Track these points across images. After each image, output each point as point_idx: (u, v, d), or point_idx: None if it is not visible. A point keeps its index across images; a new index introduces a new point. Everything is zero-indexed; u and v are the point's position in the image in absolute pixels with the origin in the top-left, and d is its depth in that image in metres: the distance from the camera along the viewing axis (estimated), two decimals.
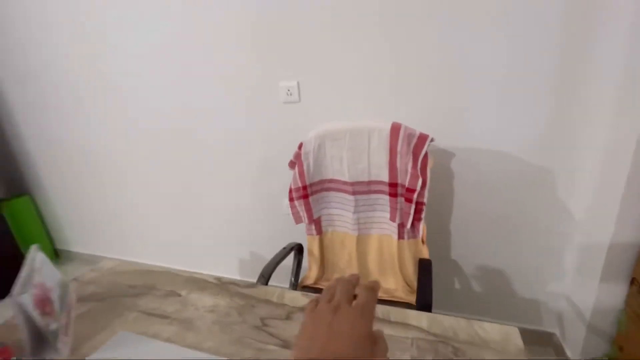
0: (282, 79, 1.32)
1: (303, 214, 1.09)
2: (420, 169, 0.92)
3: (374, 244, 1.09)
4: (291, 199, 1.09)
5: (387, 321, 0.63)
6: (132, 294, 0.79)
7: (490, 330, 0.58)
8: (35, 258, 0.65)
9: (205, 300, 0.74)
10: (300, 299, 0.72)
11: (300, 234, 1.20)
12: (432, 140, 0.93)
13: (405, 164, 0.93)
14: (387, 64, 1.16)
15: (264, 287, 0.77)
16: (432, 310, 1.11)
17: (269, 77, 1.34)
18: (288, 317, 0.67)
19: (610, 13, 0.90)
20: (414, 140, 0.92)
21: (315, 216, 1.11)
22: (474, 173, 1.20)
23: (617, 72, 0.93)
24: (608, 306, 1.05)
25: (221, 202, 1.69)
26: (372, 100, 1.23)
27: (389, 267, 1.08)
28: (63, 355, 0.61)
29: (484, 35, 1.02)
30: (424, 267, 0.94)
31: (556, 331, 1.31)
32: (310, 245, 1.15)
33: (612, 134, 0.97)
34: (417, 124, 1.06)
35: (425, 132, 1.01)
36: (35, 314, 0.58)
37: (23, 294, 0.57)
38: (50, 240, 2.44)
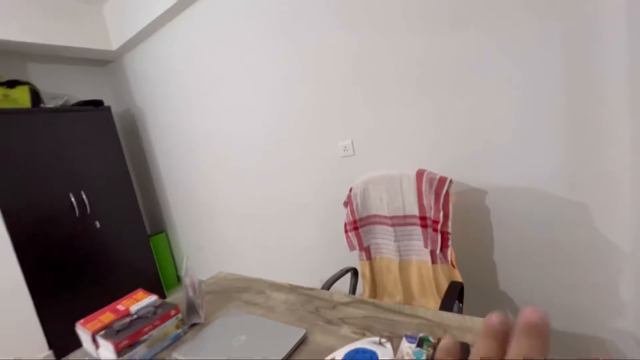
0: (339, 140, 1.73)
1: (355, 243, 1.39)
2: (443, 204, 1.15)
3: (414, 269, 1.31)
4: (346, 231, 1.41)
5: (401, 313, 0.87)
6: (237, 291, 1.20)
7: (477, 322, 0.78)
8: (186, 263, 1.12)
9: (281, 296, 1.10)
10: (344, 297, 1.01)
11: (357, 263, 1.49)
12: (451, 181, 1.17)
13: (429, 201, 1.18)
14: (422, 122, 1.46)
15: (320, 290, 1.09)
16: None
17: (329, 139, 1.76)
18: (334, 308, 0.96)
19: (610, 40, 1.06)
20: (435, 182, 1.17)
21: (365, 244, 1.40)
22: (509, 209, 1.33)
23: (626, 96, 1.04)
24: None
25: (298, 239, 2.10)
26: (412, 150, 1.52)
27: (428, 289, 1.27)
28: (201, 319, 1.02)
29: (506, 86, 1.26)
30: (452, 287, 1.11)
31: None
32: (363, 269, 1.42)
33: (635, 161, 1.05)
34: (451, 169, 1.33)
35: (459, 174, 1.26)
36: (190, 292, 1.02)
37: (185, 278, 1.02)
38: (175, 267, 3.19)
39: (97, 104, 2.57)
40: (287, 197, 2.07)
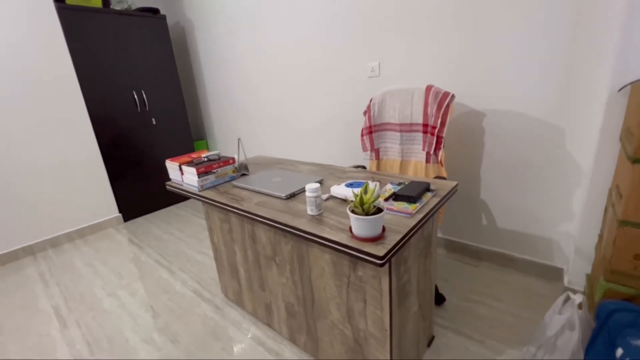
0: (368, 61, 1.96)
1: (368, 145, 1.73)
2: (442, 114, 1.43)
3: (411, 167, 1.64)
4: (362, 135, 1.74)
5: (392, 176, 1.23)
6: (272, 163, 1.59)
7: (444, 183, 1.12)
8: (239, 139, 1.49)
9: (306, 167, 1.48)
10: (352, 169, 1.38)
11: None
12: (453, 96, 1.42)
13: (432, 110, 1.46)
14: (441, 53, 1.66)
15: (336, 166, 1.46)
16: (462, 240, 1.82)
17: (360, 60, 2.00)
18: (344, 173, 1.34)
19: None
20: (440, 95, 1.44)
21: (375, 147, 1.73)
22: (500, 130, 1.59)
23: (612, 48, 1.22)
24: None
25: (322, 145, 2.47)
26: (429, 76, 1.75)
27: None
28: (248, 172, 1.43)
29: (509, 28, 1.43)
30: (436, 177, 1.46)
31: (565, 267, 1.59)
32: (371, 166, 1.77)
33: (609, 96, 1.26)
34: (460, 93, 1.59)
35: (466, 98, 1.56)
36: (243, 155, 1.41)
37: (240, 145, 1.41)
38: None
39: (155, 11, 2.84)
40: (316, 108, 2.38)
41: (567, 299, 1.02)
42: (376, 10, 1.83)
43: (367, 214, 0.75)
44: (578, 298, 0.96)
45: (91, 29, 2.52)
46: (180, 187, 1.36)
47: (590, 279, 1.31)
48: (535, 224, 1.64)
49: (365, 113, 1.73)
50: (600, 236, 1.28)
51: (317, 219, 0.92)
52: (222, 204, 1.14)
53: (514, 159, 1.61)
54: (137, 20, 2.75)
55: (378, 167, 1.76)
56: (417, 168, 1.62)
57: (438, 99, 1.45)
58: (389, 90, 1.62)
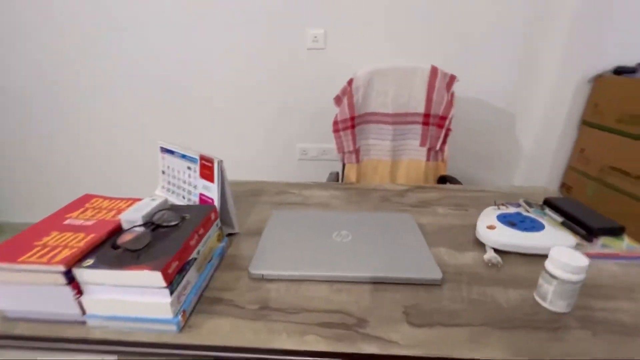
0: (309, 27, 1.42)
1: (349, 144, 1.26)
2: (450, 101, 1.19)
3: (403, 168, 1.34)
4: (337, 130, 1.24)
5: (469, 190, 0.89)
6: (250, 194, 0.86)
7: (530, 188, 0.89)
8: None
9: (321, 192, 0.87)
10: (396, 186, 0.92)
11: (311, 176, 1.39)
12: (457, 80, 1.21)
13: (441, 97, 1.19)
14: (406, 19, 1.39)
15: (361, 184, 0.94)
16: None
17: (296, 23, 1.42)
18: (401, 195, 0.86)
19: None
20: (447, 79, 1.19)
21: (357, 146, 1.29)
22: (463, 116, 1.55)
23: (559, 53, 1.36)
24: None
25: (233, 145, 1.69)
26: (390, 47, 1.45)
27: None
28: (235, 228, 0.68)
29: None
30: (445, 179, 1.24)
31: None
32: (349, 172, 1.32)
33: (554, 90, 1.42)
34: None
35: None
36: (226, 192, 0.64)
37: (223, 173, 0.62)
38: None
39: None
40: (228, 91, 1.57)
41: None
42: None
43: None
44: None
45: None
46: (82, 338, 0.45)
47: None
48: None
49: (338, 100, 1.24)
50: None
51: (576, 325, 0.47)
52: None
53: (475, 145, 1.62)
54: None
55: (358, 173, 1.33)
56: (410, 169, 1.33)
57: (446, 83, 1.19)
58: (378, 69, 1.20)
